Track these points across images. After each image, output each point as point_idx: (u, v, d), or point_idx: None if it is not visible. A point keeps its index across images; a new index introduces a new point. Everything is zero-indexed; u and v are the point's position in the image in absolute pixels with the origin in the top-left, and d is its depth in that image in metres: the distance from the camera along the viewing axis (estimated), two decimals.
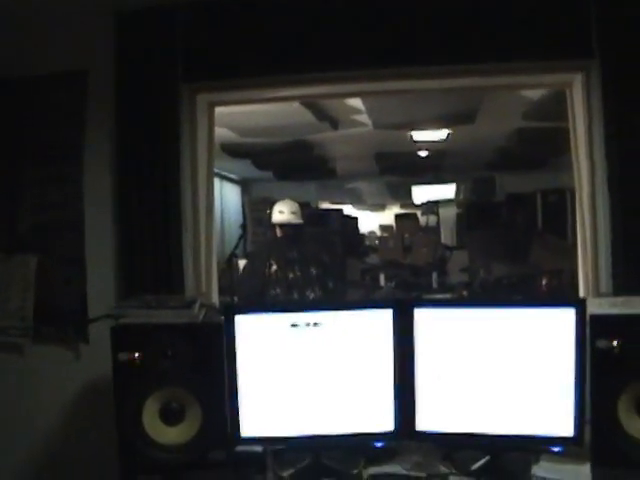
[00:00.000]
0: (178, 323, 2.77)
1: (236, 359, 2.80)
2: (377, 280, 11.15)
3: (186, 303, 2.86)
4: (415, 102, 6.18)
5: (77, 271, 3.71)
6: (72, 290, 3.72)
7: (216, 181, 10.88)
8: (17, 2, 3.55)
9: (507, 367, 2.76)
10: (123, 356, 2.73)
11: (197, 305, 2.85)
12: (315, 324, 2.81)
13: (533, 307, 2.78)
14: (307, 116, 6.41)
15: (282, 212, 6.19)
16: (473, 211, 12.39)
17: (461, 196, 12.19)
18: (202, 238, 3.72)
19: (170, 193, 3.57)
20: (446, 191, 12.17)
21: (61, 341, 3.73)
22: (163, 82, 3.59)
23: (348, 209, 14.66)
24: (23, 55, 3.81)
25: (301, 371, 2.83)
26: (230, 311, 2.81)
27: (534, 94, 6.18)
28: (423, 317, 2.84)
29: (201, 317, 2.82)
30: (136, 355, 2.73)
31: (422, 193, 12.24)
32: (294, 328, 2.81)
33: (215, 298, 3.81)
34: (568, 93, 3.69)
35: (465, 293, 4.16)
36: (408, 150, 9.55)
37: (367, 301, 3.38)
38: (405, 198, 15.11)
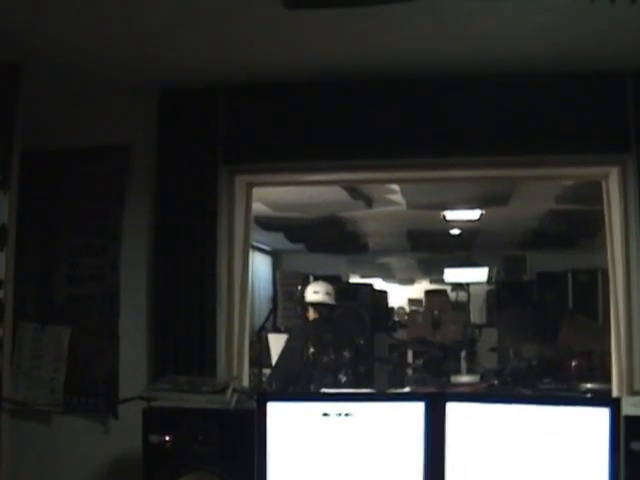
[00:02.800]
0: (210, 409, 2.78)
1: (266, 446, 2.79)
2: (405, 356, 11.02)
3: (219, 388, 2.87)
4: (449, 185, 6.21)
5: (110, 344, 3.75)
6: (104, 363, 3.75)
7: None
8: (65, 72, 3.65)
9: (539, 465, 2.71)
10: (155, 438, 2.74)
11: (229, 391, 2.86)
12: (347, 414, 2.80)
13: (567, 405, 2.74)
14: (342, 195, 6.47)
15: (317, 292, 6.23)
16: (504, 289, 12.29)
17: (493, 280, 12.11)
18: (236, 318, 3.75)
19: (206, 271, 3.62)
20: (478, 274, 12.09)
21: (90, 414, 3.74)
22: (203, 161, 3.68)
23: (378, 283, 14.58)
24: (70, 127, 3.92)
25: (331, 461, 2.81)
26: (262, 398, 2.81)
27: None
28: (455, 411, 2.82)
29: (233, 403, 2.83)
30: (167, 438, 2.74)
31: (454, 275, 12.15)
32: (325, 417, 2.80)
33: (246, 380, 3.81)
34: (604, 183, 3.72)
35: (495, 382, 4.11)
36: (440, 228, 9.56)
37: (399, 393, 3.36)
38: (435, 274, 15.03)
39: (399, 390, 4.10)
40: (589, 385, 6.30)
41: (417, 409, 2.81)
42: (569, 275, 12.23)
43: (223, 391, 2.85)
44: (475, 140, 3.54)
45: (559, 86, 3.50)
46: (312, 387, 5.78)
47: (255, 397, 2.84)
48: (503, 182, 6.25)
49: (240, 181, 3.85)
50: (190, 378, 3.10)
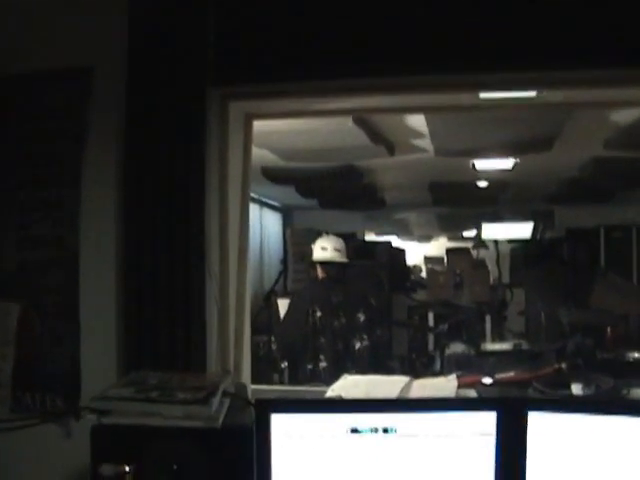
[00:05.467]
0: (188, 427, 1.91)
1: (270, 476, 1.94)
2: (425, 319, 10.35)
3: (201, 395, 1.99)
4: (486, 125, 5.32)
5: (69, 326, 2.86)
6: (62, 350, 2.87)
7: (256, 208, 10.28)
8: None
9: None
10: (108, 470, 1.89)
11: (217, 398, 1.98)
12: (385, 430, 1.94)
13: None
14: (361, 138, 5.53)
15: (325, 249, 5.56)
16: (531, 247, 11.53)
17: (538, 237, 11.30)
18: (232, 289, 2.87)
19: (192, 230, 2.73)
20: (521, 230, 11.23)
21: (46, 415, 2.87)
22: (187, 83, 2.75)
23: (394, 240, 13.85)
24: (18, 49, 2.98)
25: None
26: (264, 408, 1.94)
27: (624, 118, 5.31)
28: (539, 423, 1.96)
29: (221, 418, 1.96)
30: (127, 469, 1.88)
31: (492, 230, 11.29)
32: (355, 435, 1.94)
33: (247, 374, 2.95)
34: None
35: (563, 366, 3.30)
36: (467, 180, 8.69)
37: (462, 400, 2.47)
38: (455, 230, 14.26)
39: (443, 378, 3.22)
40: (636, 354, 5.73)
41: (487, 420, 1.95)
42: (601, 231, 11.56)
43: (207, 400, 1.97)
44: (522, 51, 2.63)
45: None
46: (321, 357, 5.14)
47: (255, 407, 1.97)
48: (549, 122, 5.35)
49: (236, 110, 2.95)
50: (167, 376, 2.23)
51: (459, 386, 3.05)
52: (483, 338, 8.68)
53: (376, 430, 1.95)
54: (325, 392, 2.99)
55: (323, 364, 5.19)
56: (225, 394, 2.08)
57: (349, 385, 3.05)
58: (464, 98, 3.26)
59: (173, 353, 2.65)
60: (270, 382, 5.87)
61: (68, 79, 2.95)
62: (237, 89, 2.86)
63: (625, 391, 2.89)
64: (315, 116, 3.67)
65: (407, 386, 2.96)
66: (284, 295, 7.15)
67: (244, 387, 2.54)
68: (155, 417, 1.93)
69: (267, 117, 3.30)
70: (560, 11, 2.62)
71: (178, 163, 2.75)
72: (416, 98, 3.22)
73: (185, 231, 2.73)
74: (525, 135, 5.82)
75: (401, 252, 12.33)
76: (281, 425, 1.93)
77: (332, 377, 3.52)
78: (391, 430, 1.95)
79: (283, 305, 6.43)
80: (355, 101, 3.15)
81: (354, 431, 1.94)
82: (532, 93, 3.69)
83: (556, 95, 3.27)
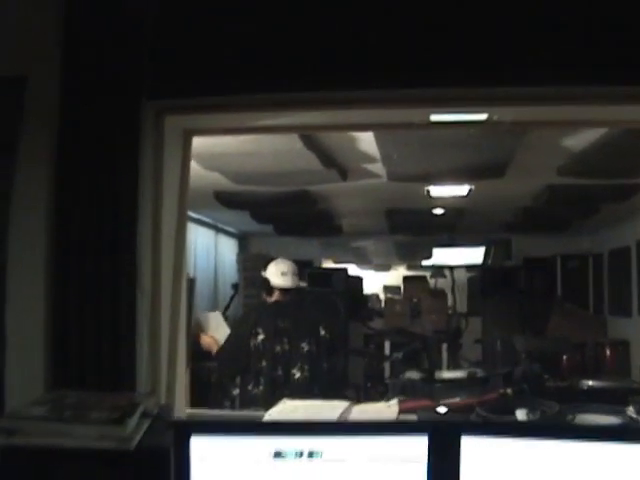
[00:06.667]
0: (99, 448, 1.79)
1: None
2: (382, 348, 10.28)
3: (117, 416, 1.88)
4: (438, 150, 5.28)
5: None
6: None
7: (211, 234, 10.18)
8: None
9: None
10: None
11: (133, 419, 1.87)
12: (310, 454, 1.85)
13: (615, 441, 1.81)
14: (312, 161, 5.46)
15: (285, 274, 5.32)
16: (488, 276, 11.51)
17: (490, 262, 11.27)
18: (165, 309, 2.77)
19: (123, 244, 2.61)
20: (472, 255, 11.18)
21: None
22: (121, 96, 2.65)
23: (352, 269, 13.78)
24: None
25: None
26: (183, 430, 1.83)
27: (576, 143, 5.29)
28: (473, 448, 1.87)
29: (136, 439, 1.85)
30: None
31: (444, 256, 11.25)
32: (279, 460, 1.84)
33: (181, 396, 2.84)
34: None
35: (509, 391, 3.23)
36: (423, 207, 8.64)
37: (391, 424, 2.37)
38: (413, 259, 14.21)
39: (384, 403, 3.12)
40: (590, 382, 5.69)
41: (417, 445, 1.86)
42: (558, 260, 11.59)
43: (122, 420, 1.86)
44: (490, 58, 2.58)
45: None
46: (261, 381, 5.00)
47: (173, 429, 1.85)
48: (501, 147, 5.32)
49: (173, 125, 2.85)
50: (86, 395, 2.12)
51: (401, 411, 2.96)
52: (439, 366, 8.61)
53: (301, 454, 1.85)
54: (262, 417, 2.89)
55: (261, 388, 5.04)
56: (146, 415, 1.96)
57: (288, 410, 2.95)
58: (415, 116, 3.19)
59: (99, 371, 2.52)
60: (221, 408, 5.75)
61: (0, 88, 2.84)
62: (173, 102, 2.76)
63: (571, 416, 2.83)
64: (258, 132, 3.56)
65: (346, 411, 2.86)
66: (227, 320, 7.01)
67: (169, 409, 2.42)
68: (66, 437, 1.81)
69: (207, 133, 3.22)
70: (512, 26, 2.58)
71: (110, 178, 2.64)
72: (364, 115, 3.14)
73: (115, 246, 2.62)
74: (477, 161, 5.78)
75: (358, 280, 12.27)
76: (201, 448, 1.83)
77: (267, 402, 3.40)
78: (317, 454, 1.85)
79: None
80: (300, 117, 3.05)
81: (278, 455, 1.84)
82: (483, 116, 3.64)
83: (507, 117, 3.22)
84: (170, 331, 2.81)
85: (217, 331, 5.63)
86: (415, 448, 1.87)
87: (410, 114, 3.07)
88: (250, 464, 1.84)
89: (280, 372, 5.04)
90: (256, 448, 1.85)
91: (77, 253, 2.63)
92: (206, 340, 5.44)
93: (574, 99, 2.75)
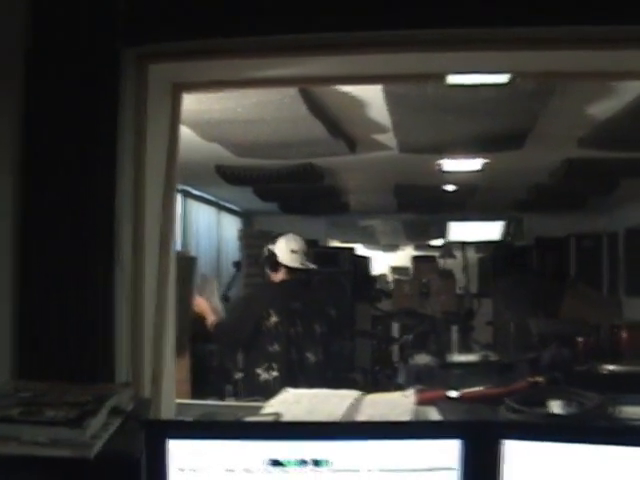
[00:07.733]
0: (52, 456, 1.44)
1: None
2: (389, 330, 10.02)
3: (75, 415, 1.52)
4: (454, 116, 4.93)
5: None
6: None
7: (214, 211, 9.89)
8: None
9: None
10: None
11: (97, 419, 1.52)
12: (316, 463, 1.50)
13: None
14: (318, 130, 5.08)
15: (295, 252, 5.04)
16: (499, 256, 11.25)
17: (509, 238, 10.98)
18: (148, 287, 2.41)
19: (99, 215, 2.26)
20: (490, 230, 10.87)
21: None
22: (95, 42, 2.27)
23: (360, 249, 13.52)
24: None
25: None
26: (158, 433, 1.48)
27: (603, 111, 4.95)
28: (515, 454, 1.52)
29: (99, 444, 1.49)
30: None
31: (460, 231, 10.95)
32: (277, 469, 1.50)
33: (169, 387, 2.49)
34: None
35: (540, 380, 2.89)
36: (433, 183, 8.32)
37: (416, 425, 2.02)
38: (422, 239, 13.96)
39: (399, 393, 2.79)
40: (611, 367, 5.46)
41: (448, 452, 1.51)
42: (571, 240, 11.30)
43: (81, 420, 1.50)
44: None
45: None
46: (273, 366, 4.76)
47: (146, 431, 1.50)
48: (525, 111, 4.96)
49: (158, 76, 2.48)
50: (46, 387, 1.77)
51: (418, 402, 2.62)
52: (449, 349, 8.34)
53: (304, 462, 1.50)
54: (262, 408, 2.56)
55: (275, 374, 4.75)
56: (116, 412, 1.61)
57: (290, 400, 2.62)
58: (431, 64, 2.81)
59: (70, 359, 2.17)
60: (222, 395, 5.46)
61: None
62: (157, 48, 2.38)
63: (612, 409, 2.48)
64: (255, 86, 3.18)
65: (357, 402, 2.53)
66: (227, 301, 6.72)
67: (148, 403, 2.07)
68: (11, 443, 1.45)
69: (199, 87, 2.84)
70: None
71: (85, 138, 2.29)
72: (375, 63, 2.74)
73: (92, 215, 2.27)
74: (496, 129, 5.42)
75: (365, 260, 12.06)
76: (181, 455, 1.48)
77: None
78: (324, 463, 1.50)
79: None
80: (304, 67, 2.68)
81: (275, 463, 1.50)
82: (504, 77, 3.31)
83: (533, 69, 2.85)
84: (156, 313, 2.46)
85: (211, 298, 5.35)
86: (445, 454, 1.52)
87: (426, 60, 2.67)
88: (240, 475, 1.49)
89: (294, 355, 4.84)
90: (249, 455, 1.50)
91: (47, 222, 2.28)
92: (200, 304, 5.07)
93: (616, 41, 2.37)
